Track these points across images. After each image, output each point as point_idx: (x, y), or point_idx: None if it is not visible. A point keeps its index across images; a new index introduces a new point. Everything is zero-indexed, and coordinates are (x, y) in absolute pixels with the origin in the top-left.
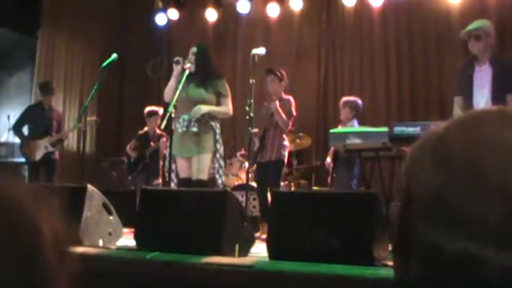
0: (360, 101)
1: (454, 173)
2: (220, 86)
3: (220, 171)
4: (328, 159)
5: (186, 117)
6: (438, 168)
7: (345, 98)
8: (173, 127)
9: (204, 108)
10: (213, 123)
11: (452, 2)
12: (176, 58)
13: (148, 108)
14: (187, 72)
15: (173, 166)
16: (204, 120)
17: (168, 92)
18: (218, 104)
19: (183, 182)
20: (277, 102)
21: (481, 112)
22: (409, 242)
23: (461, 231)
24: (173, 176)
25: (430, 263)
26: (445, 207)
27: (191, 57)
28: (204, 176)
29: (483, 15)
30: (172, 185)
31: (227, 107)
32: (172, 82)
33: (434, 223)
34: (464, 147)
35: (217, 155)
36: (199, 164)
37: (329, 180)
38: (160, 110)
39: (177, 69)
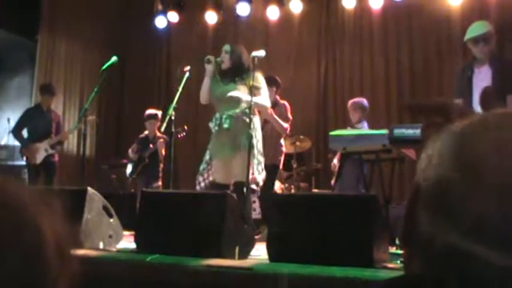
0: (366, 101)
1: (458, 168)
2: (254, 79)
3: (260, 168)
4: (335, 161)
5: (218, 115)
6: (446, 161)
7: (354, 100)
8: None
9: (236, 93)
10: (245, 118)
11: (453, 4)
12: (207, 57)
13: (147, 112)
14: (187, 74)
15: (202, 172)
16: (236, 116)
17: (203, 93)
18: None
19: (219, 188)
20: (269, 110)
21: (497, 115)
22: (413, 233)
23: (456, 226)
24: (201, 179)
25: (424, 254)
26: (445, 201)
27: (224, 55)
28: (244, 177)
29: (483, 17)
30: (198, 189)
31: (263, 98)
32: (206, 82)
33: (435, 215)
34: (477, 145)
35: (255, 152)
36: (238, 165)
37: (333, 182)
38: (159, 113)
39: (208, 68)
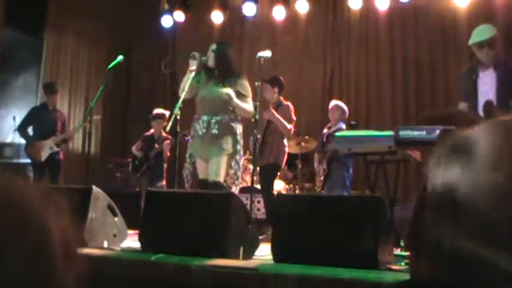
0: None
1: (466, 172)
2: (240, 85)
3: (238, 173)
4: (316, 163)
5: (205, 118)
6: (454, 166)
7: (336, 102)
8: (192, 128)
9: (232, 95)
10: (233, 125)
11: (459, 5)
12: (192, 53)
13: (155, 111)
14: (193, 74)
15: (188, 167)
16: (225, 122)
17: (182, 87)
18: None
19: (201, 183)
20: (272, 110)
21: (503, 122)
22: (420, 236)
23: (463, 228)
24: (189, 177)
25: (431, 258)
26: (453, 204)
27: (210, 53)
28: (220, 178)
29: (490, 19)
30: (187, 186)
31: (249, 106)
32: (187, 77)
33: (442, 218)
34: (485, 151)
35: (238, 157)
36: (216, 165)
37: (321, 182)
38: (167, 113)
39: (193, 64)
